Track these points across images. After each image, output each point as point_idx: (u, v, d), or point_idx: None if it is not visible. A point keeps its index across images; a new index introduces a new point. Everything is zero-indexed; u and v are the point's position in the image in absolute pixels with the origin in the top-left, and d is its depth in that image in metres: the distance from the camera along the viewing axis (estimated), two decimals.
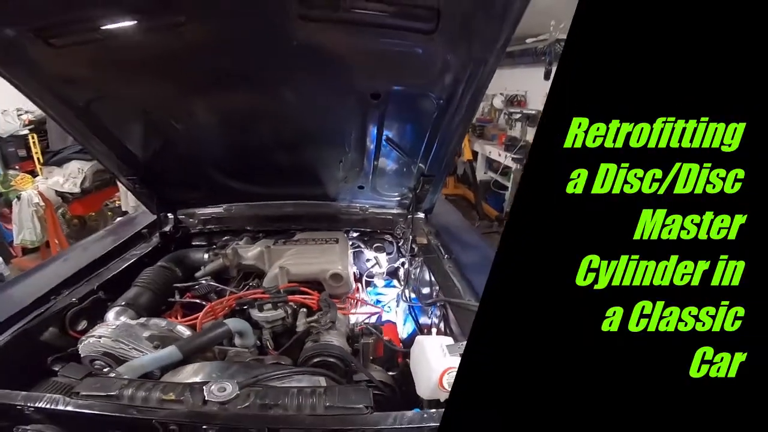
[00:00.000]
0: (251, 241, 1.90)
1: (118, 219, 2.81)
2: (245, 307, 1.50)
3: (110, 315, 1.37)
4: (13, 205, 4.00)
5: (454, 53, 1.16)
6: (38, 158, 4.91)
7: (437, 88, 1.32)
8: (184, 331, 1.35)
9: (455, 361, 1.03)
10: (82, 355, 1.18)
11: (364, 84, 1.35)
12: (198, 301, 1.59)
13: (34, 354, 1.22)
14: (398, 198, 1.99)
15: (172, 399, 0.91)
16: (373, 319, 1.64)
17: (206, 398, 0.90)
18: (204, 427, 0.86)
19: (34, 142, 4.91)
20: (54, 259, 2.03)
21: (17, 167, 4.82)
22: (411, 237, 1.85)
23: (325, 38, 1.16)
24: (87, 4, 1.00)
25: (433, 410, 0.94)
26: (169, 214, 1.99)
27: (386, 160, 1.75)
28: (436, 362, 1.04)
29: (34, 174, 4.42)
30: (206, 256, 1.81)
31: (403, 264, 1.93)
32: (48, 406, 0.90)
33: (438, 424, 0.88)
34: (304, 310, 1.50)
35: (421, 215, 1.98)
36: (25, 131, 4.91)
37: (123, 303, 1.43)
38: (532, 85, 5.48)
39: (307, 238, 1.86)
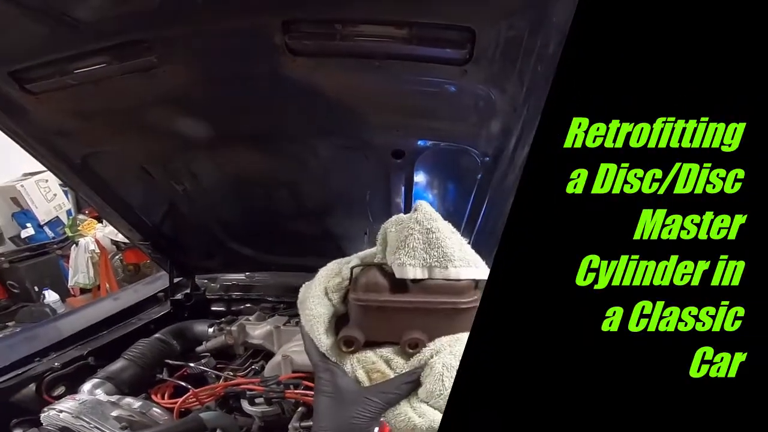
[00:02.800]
0: (264, 316, 1.71)
1: (146, 278, 2.79)
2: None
3: (86, 386, 1.26)
4: (72, 249, 4.28)
5: (499, 91, 0.88)
6: None
7: (480, 140, 1.04)
8: (158, 415, 1.22)
9: None
10: (43, 425, 1.11)
11: (381, 138, 1.10)
12: (183, 384, 1.40)
13: (2, 415, 1.18)
14: None
15: None
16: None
17: None
18: None
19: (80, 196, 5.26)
20: (67, 314, 2.04)
21: (87, 212, 5.15)
22: None
23: (324, 77, 0.94)
24: (49, 44, 0.91)
25: None
26: (187, 279, 1.87)
27: None
28: None
29: (100, 219, 4.65)
30: (210, 330, 1.64)
31: None
32: None
33: None
34: (302, 409, 1.26)
35: None
36: None
37: (103, 375, 1.32)
38: None
39: None
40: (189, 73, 1.00)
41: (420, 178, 1.26)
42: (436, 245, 0.65)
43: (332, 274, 0.75)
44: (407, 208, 1.32)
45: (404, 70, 0.88)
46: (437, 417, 0.66)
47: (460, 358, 0.65)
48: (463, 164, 1.14)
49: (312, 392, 1.29)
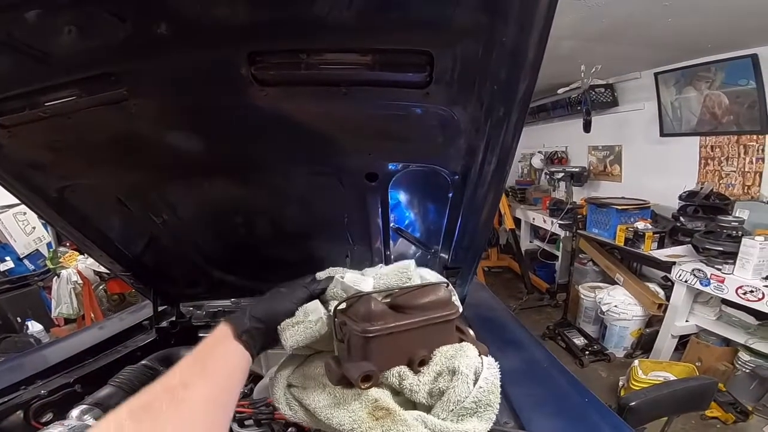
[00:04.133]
0: None
1: (131, 307, 2.75)
2: None
3: (74, 412, 1.22)
4: (53, 281, 4.25)
5: (461, 111, 0.89)
6: None
7: (448, 160, 1.06)
8: None
9: None
10: None
11: (354, 162, 1.11)
12: None
13: None
14: None
15: None
16: None
17: None
18: None
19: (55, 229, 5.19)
20: (50, 344, 1.92)
21: (67, 243, 5.08)
22: None
23: (295, 105, 0.94)
24: (18, 77, 0.88)
25: None
26: (171, 307, 1.82)
27: (400, 251, 1.46)
28: None
29: (81, 251, 4.58)
30: None
31: None
32: None
33: None
34: (292, 430, 1.23)
35: None
36: None
37: (91, 402, 1.27)
38: (573, 140, 5.19)
39: None
40: (159, 105, 0.98)
41: (397, 198, 1.27)
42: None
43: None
44: (386, 229, 1.34)
45: (370, 96, 0.89)
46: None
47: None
48: (435, 183, 1.14)
49: None
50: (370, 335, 0.73)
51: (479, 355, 0.83)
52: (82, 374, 1.40)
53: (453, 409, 0.72)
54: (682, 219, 3.38)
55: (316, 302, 0.91)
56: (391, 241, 1.39)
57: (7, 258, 4.60)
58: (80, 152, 1.13)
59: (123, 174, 1.22)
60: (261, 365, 1.52)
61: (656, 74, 3.77)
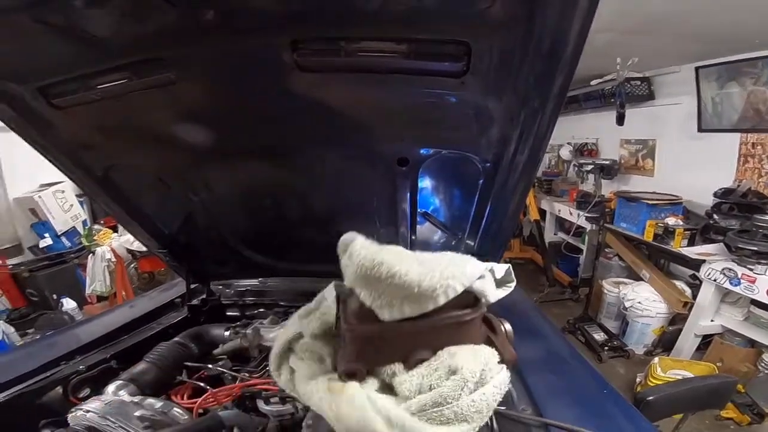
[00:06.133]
0: (278, 320, 1.74)
1: (162, 285, 2.86)
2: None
3: (110, 388, 1.28)
4: (89, 258, 4.38)
5: (496, 101, 0.91)
6: None
7: (480, 147, 1.08)
8: (179, 415, 1.23)
9: None
10: (70, 425, 1.11)
11: (386, 147, 1.14)
12: (202, 384, 1.44)
13: (31, 416, 1.18)
14: None
15: None
16: None
17: None
18: None
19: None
20: (88, 320, 2.03)
21: (102, 222, 5.27)
22: None
23: (332, 91, 0.98)
24: (74, 61, 0.94)
25: None
26: (202, 285, 1.90)
27: (426, 234, 1.49)
28: None
29: (115, 229, 4.76)
30: (227, 333, 1.68)
31: None
32: None
33: None
34: None
35: None
36: None
37: (126, 377, 1.34)
38: (604, 132, 5.04)
39: None
40: (204, 89, 1.03)
41: (426, 183, 1.29)
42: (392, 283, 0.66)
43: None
44: (413, 214, 1.36)
45: (405, 83, 0.91)
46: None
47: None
48: (466, 170, 1.16)
49: None
50: (357, 333, 0.73)
51: (500, 362, 0.77)
52: (117, 350, 1.47)
53: (427, 409, 0.68)
54: (715, 216, 3.28)
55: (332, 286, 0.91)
56: (417, 226, 1.41)
57: (46, 235, 4.79)
58: (127, 133, 1.19)
59: (166, 154, 1.27)
60: None
61: (697, 68, 3.63)
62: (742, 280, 2.80)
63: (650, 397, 1.54)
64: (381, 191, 1.31)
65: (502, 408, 1.07)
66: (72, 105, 1.06)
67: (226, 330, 1.70)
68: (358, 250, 0.70)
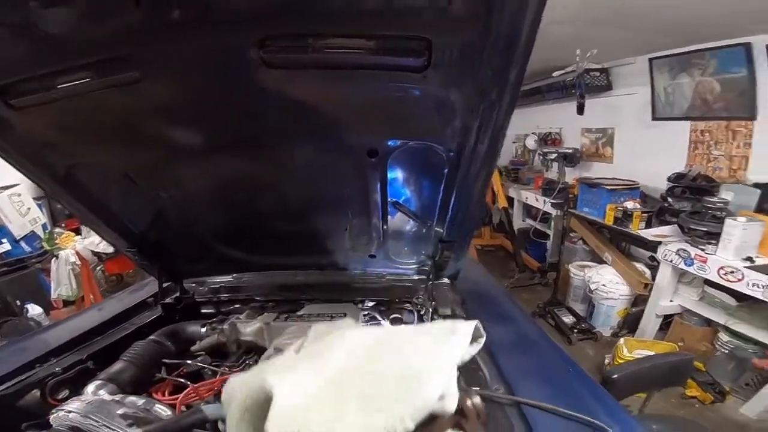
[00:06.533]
0: (254, 314, 1.75)
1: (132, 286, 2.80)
2: None
3: (90, 388, 1.27)
4: (52, 262, 4.21)
5: (457, 92, 0.96)
6: None
7: (444, 138, 1.12)
8: (161, 411, 1.22)
9: None
10: (52, 426, 1.09)
11: (355, 139, 1.17)
12: (182, 380, 1.44)
13: (11, 419, 1.16)
14: (416, 265, 1.77)
15: None
16: None
17: None
18: None
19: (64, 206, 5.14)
20: (58, 323, 1.96)
21: (63, 225, 5.07)
22: (431, 309, 1.62)
23: (300, 86, 0.99)
24: (32, 61, 0.91)
25: None
26: (175, 284, 1.88)
27: (397, 224, 1.53)
28: None
29: (77, 231, 4.60)
30: (203, 329, 1.67)
31: None
32: None
33: None
34: None
35: (446, 281, 1.76)
36: None
37: (105, 377, 1.32)
38: (566, 122, 5.25)
39: (313, 312, 1.68)
40: (171, 87, 1.01)
41: (395, 174, 1.32)
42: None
43: None
44: (384, 204, 1.40)
45: (371, 78, 0.94)
46: None
47: None
48: (431, 160, 1.20)
49: None
50: None
51: None
52: (93, 351, 1.44)
53: None
54: (669, 200, 3.47)
55: None
56: (389, 216, 1.45)
57: (4, 240, 4.55)
58: (90, 132, 1.16)
59: (132, 152, 1.25)
60: (264, 338, 1.59)
61: (651, 60, 3.83)
62: (695, 260, 2.96)
63: (615, 376, 1.61)
64: (352, 182, 1.34)
65: (476, 389, 1.13)
66: (31, 105, 1.02)
67: (203, 326, 1.70)
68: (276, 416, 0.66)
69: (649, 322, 3.53)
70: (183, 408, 1.29)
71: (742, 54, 3.13)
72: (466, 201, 1.32)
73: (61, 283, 4.17)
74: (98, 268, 4.60)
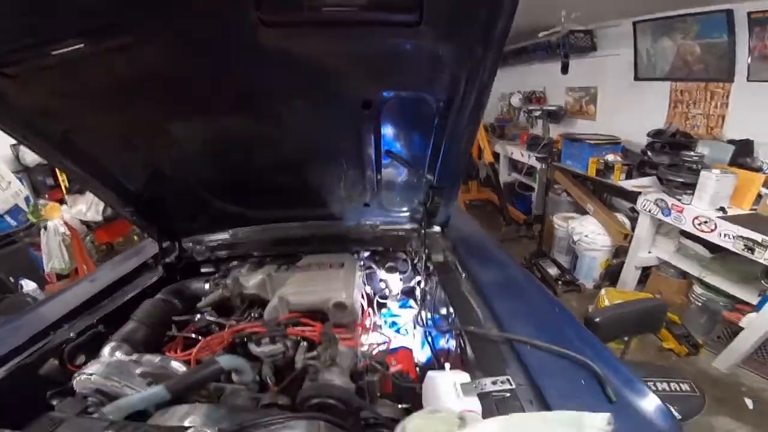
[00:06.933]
0: (255, 268, 1.81)
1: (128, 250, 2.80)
2: (245, 339, 1.39)
3: (105, 351, 1.30)
4: (41, 234, 4.14)
5: (447, 47, 1.01)
6: (65, 186, 5.00)
7: (434, 89, 1.18)
8: (178, 367, 1.27)
9: (471, 403, 0.90)
10: (76, 391, 1.13)
11: (351, 92, 1.21)
12: (194, 335, 1.50)
13: (33, 389, 1.18)
14: (408, 213, 1.85)
15: None
16: (384, 348, 1.51)
17: None
18: None
19: (60, 171, 4.95)
20: (62, 291, 1.95)
21: (47, 196, 4.98)
22: (425, 255, 1.71)
23: (297, 44, 1.02)
24: (25, 29, 0.90)
25: None
26: (174, 243, 1.91)
27: (390, 174, 1.60)
28: (448, 405, 0.90)
29: (62, 202, 4.52)
30: (207, 286, 1.73)
31: (418, 283, 1.80)
32: None
33: None
34: (304, 344, 1.37)
35: (437, 229, 1.84)
36: None
37: (118, 338, 1.36)
38: (551, 81, 5.35)
39: (312, 262, 1.75)
40: (166, 50, 1.02)
41: (388, 125, 1.37)
42: None
43: None
44: (377, 154, 1.45)
45: (366, 34, 0.99)
46: None
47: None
48: (423, 111, 1.25)
49: (310, 327, 1.42)
50: None
51: None
52: (102, 315, 1.48)
53: None
54: (649, 153, 3.58)
55: None
56: (382, 165, 1.52)
57: None
58: (86, 96, 1.16)
59: (128, 115, 1.25)
60: (267, 290, 1.65)
61: (635, 23, 3.91)
62: (672, 210, 3.10)
63: (597, 319, 1.69)
64: (347, 134, 1.39)
65: (471, 327, 1.22)
66: (25, 73, 1.03)
67: (206, 282, 1.75)
68: None
69: (629, 274, 3.72)
70: (197, 362, 1.33)
71: (723, 20, 3.21)
72: (456, 149, 1.38)
73: (53, 256, 4.12)
74: (87, 238, 4.55)
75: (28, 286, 4.15)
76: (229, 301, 1.67)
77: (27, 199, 4.74)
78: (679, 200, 3.08)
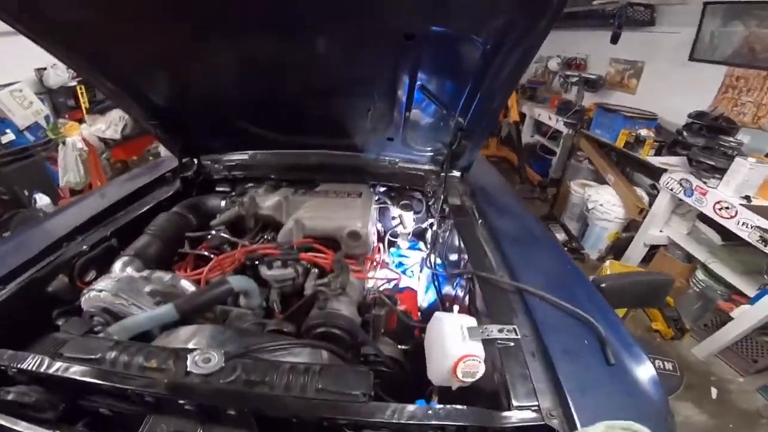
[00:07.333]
0: (272, 190, 1.81)
1: (146, 164, 2.81)
2: (256, 262, 1.41)
3: (117, 266, 1.31)
4: (59, 149, 4.21)
5: None
6: (85, 108, 5.08)
7: (484, 31, 1.12)
8: (187, 286, 1.29)
9: (475, 348, 0.90)
10: (84, 309, 1.14)
11: (397, 21, 1.13)
12: (206, 253, 1.51)
13: (41, 306, 1.19)
14: (431, 153, 1.83)
15: (154, 367, 0.84)
16: (392, 286, 1.52)
17: (188, 369, 0.82)
18: (180, 401, 0.78)
19: (81, 93, 5.08)
20: (75, 203, 1.96)
21: (66, 116, 5.02)
22: (443, 196, 1.69)
23: None
24: None
25: (439, 406, 0.81)
26: (192, 159, 1.92)
27: (419, 111, 1.56)
28: (453, 346, 0.91)
29: (81, 122, 4.56)
30: (223, 203, 1.74)
31: (431, 225, 1.79)
32: (31, 367, 0.85)
33: (443, 422, 0.75)
34: (315, 270, 1.39)
35: (457, 173, 1.81)
36: (74, 83, 5.10)
37: (131, 253, 1.37)
38: (595, 49, 5.20)
39: (330, 189, 1.75)
40: None
41: (426, 65, 1.31)
42: None
43: None
44: (411, 88, 1.40)
45: None
46: None
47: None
48: (467, 51, 1.20)
49: (322, 254, 1.44)
50: None
51: None
52: (116, 227, 1.48)
53: None
54: (685, 133, 3.46)
55: None
56: (413, 101, 1.47)
57: (8, 131, 4.42)
58: (118, 11, 1.11)
59: (160, 30, 1.20)
60: (282, 213, 1.66)
61: (705, 3, 3.70)
62: (695, 192, 3.03)
63: (603, 284, 1.63)
64: (384, 65, 1.32)
65: (483, 273, 1.20)
66: None
67: (222, 200, 1.76)
68: None
69: (636, 250, 3.70)
70: (207, 282, 1.34)
71: None
72: (492, 96, 1.34)
73: (69, 170, 4.19)
74: (103, 155, 4.59)
75: (42, 200, 4.21)
76: (242, 222, 1.68)
77: (47, 118, 4.79)
78: (705, 183, 3.00)
